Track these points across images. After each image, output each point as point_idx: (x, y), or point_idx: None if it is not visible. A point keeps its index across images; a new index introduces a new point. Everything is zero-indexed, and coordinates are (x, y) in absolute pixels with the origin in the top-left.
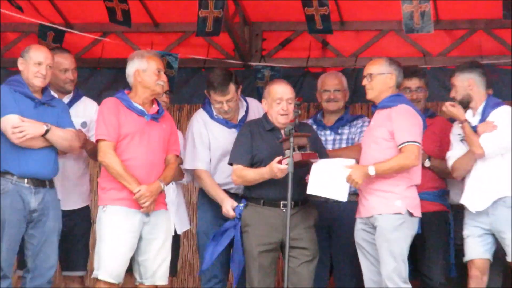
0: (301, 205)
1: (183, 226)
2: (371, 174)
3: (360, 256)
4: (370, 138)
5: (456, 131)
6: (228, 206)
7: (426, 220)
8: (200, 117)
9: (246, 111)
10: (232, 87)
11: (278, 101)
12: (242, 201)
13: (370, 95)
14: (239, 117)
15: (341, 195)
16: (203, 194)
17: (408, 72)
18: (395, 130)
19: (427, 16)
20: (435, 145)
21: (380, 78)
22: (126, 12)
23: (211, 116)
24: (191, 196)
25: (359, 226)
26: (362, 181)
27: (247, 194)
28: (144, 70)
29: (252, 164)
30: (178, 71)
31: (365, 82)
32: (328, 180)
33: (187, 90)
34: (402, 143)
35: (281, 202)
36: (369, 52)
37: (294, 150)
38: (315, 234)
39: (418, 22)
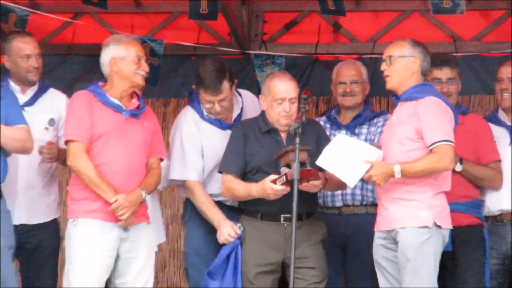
0: (306, 219)
1: (157, 238)
2: (396, 176)
3: (379, 277)
4: (391, 137)
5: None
6: (226, 231)
7: (456, 235)
8: (190, 116)
9: (242, 108)
10: (225, 85)
11: (280, 101)
12: (235, 222)
13: (389, 83)
14: (234, 115)
15: (351, 180)
16: (194, 206)
17: (438, 60)
18: (423, 128)
19: None
20: (468, 146)
21: (401, 61)
22: None
23: (201, 115)
24: (178, 207)
25: (378, 241)
26: (384, 183)
27: (241, 206)
28: (122, 58)
29: (246, 173)
30: (163, 59)
31: (383, 66)
32: (344, 159)
33: (174, 82)
34: (434, 143)
35: (282, 216)
36: (389, 37)
37: (289, 167)
38: (323, 251)
39: (447, 2)
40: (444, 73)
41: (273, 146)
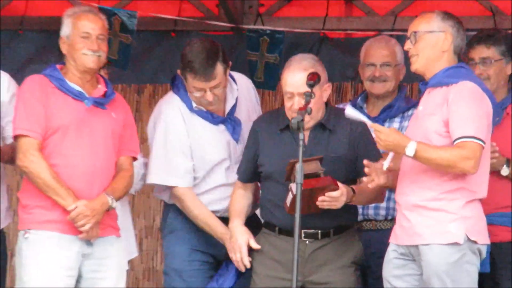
0: (335, 235)
1: (128, 253)
2: (407, 153)
3: None
4: (416, 130)
5: None
6: (243, 248)
7: (497, 254)
8: (176, 106)
9: (238, 99)
10: (219, 68)
11: (289, 95)
12: None
13: (415, 64)
14: (228, 107)
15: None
16: (176, 214)
17: (474, 38)
18: (451, 118)
19: None
20: None
21: (429, 38)
22: None
23: (189, 107)
24: (153, 217)
25: (391, 255)
26: (384, 148)
27: (262, 217)
28: (68, 36)
29: (260, 180)
30: (136, 36)
31: (408, 45)
32: None
33: (149, 64)
34: (460, 138)
35: (303, 231)
36: (413, 10)
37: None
38: (354, 277)
39: None
40: (477, 52)
41: (291, 148)
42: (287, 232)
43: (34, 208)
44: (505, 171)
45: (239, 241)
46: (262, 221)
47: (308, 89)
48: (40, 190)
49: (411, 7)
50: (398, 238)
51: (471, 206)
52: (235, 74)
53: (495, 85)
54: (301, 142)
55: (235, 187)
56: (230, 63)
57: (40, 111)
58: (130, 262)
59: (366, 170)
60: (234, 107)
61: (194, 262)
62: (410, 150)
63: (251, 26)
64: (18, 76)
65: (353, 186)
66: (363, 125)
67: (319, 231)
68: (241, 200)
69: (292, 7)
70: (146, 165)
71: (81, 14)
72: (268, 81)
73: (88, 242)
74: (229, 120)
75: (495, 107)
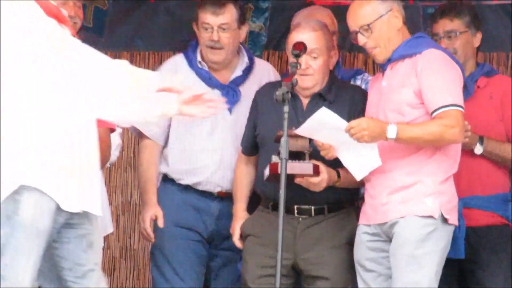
0: (330, 212)
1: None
2: (389, 137)
3: (360, 283)
4: (384, 107)
5: None
6: (236, 231)
7: (477, 238)
8: (174, 62)
9: (246, 72)
10: (230, 7)
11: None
12: None
13: (380, 55)
14: (232, 76)
15: (359, 172)
16: (164, 187)
17: (436, 12)
18: (424, 89)
19: None
20: (492, 116)
21: (380, 24)
22: None
23: (190, 63)
24: (131, 193)
25: (363, 237)
26: (370, 140)
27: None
28: None
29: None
30: (113, 1)
31: (362, 40)
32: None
33: (125, 29)
34: (439, 108)
35: (295, 207)
36: None
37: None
38: (346, 256)
39: None
40: (440, 26)
41: (289, 116)
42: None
43: None
44: (478, 149)
45: (232, 225)
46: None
47: (318, 47)
48: None
49: None
50: (369, 218)
51: (447, 182)
52: (260, 60)
53: (463, 58)
54: (286, 115)
55: (237, 161)
56: (247, 27)
57: None
58: (106, 239)
59: (318, 148)
60: (239, 78)
61: (178, 240)
62: (391, 133)
63: None
64: None
65: (340, 169)
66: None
67: (313, 207)
68: (243, 179)
69: None
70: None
71: None
72: (253, 51)
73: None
74: (228, 88)
75: (466, 80)
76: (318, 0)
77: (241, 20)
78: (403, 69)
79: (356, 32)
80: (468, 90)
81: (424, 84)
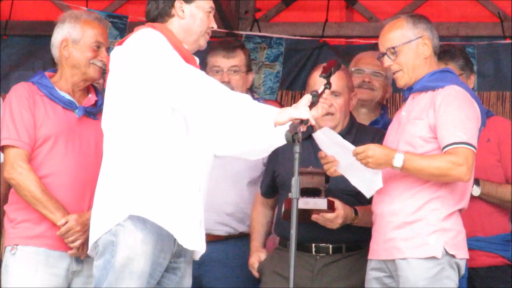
0: (348, 251)
1: None
2: (395, 165)
3: None
4: (399, 137)
5: None
6: (255, 265)
7: (480, 279)
8: None
9: None
10: (240, 53)
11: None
12: None
13: (402, 79)
14: None
15: (369, 190)
16: None
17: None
18: (439, 123)
19: None
20: (490, 159)
21: (408, 49)
22: None
23: None
24: None
25: (371, 274)
26: (375, 167)
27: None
28: (76, 41)
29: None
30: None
31: (387, 62)
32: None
33: None
34: (450, 144)
35: (313, 245)
36: None
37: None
38: None
39: None
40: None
41: (308, 157)
42: (301, 246)
43: (21, 222)
44: (476, 191)
45: (250, 261)
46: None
47: (341, 88)
48: (28, 203)
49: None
50: (374, 253)
51: (453, 217)
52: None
53: None
54: (296, 155)
55: (255, 202)
56: (253, 73)
57: (29, 121)
58: None
59: (322, 161)
60: None
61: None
62: (397, 161)
63: (248, 32)
64: (3, 83)
65: (358, 207)
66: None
67: (330, 246)
68: (259, 219)
69: (290, 12)
70: None
71: (94, 21)
72: (267, 91)
73: (78, 259)
74: None
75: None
76: (332, 39)
77: (249, 66)
78: (423, 101)
79: (383, 54)
80: None
81: (440, 119)
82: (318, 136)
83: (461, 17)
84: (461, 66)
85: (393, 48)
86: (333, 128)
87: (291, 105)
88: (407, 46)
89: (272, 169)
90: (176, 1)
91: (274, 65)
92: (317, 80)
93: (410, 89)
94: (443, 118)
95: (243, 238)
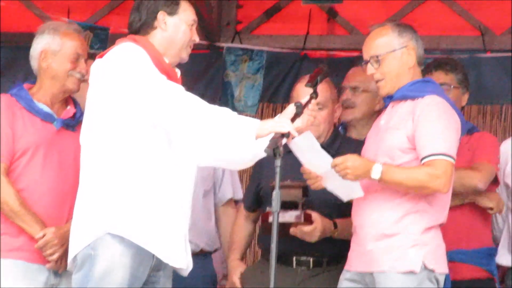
0: (329, 266)
1: None
2: (373, 176)
3: None
4: (377, 145)
5: None
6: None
7: None
8: None
9: None
10: None
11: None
12: None
13: (384, 88)
14: None
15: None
16: None
17: (430, 64)
18: (418, 134)
19: None
20: (467, 165)
21: (392, 58)
22: None
23: None
24: None
25: (344, 284)
26: (354, 178)
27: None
28: (55, 53)
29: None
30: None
31: (370, 70)
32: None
33: None
34: (429, 156)
35: (294, 258)
36: None
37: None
38: None
39: None
40: (435, 77)
41: (290, 169)
42: (282, 259)
43: None
44: (376, 173)
45: (232, 278)
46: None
47: (326, 99)
48: (6, 216)
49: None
50: (351, 264)
51: (431, 232)
52: None
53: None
54: (277, 169)
55: (237, 215)
56: None
57: (7, 133)
58: None
59: (305, 176)
60: None
61: None
62: (375, 173)
63: (229, 44)
64: None
65: (337, 220)
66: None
67: (311, 259)
68: (238, 232)
69: (271, 24)
70: None
71: (73, 33)
72: (248, 103)
73: (56, 272)
74: None
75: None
76: (312, 52)
77: None
78: (402, 110)
79: (367, 62)
80: None
81: (419, 130)
82: (294, 143)
83: (442, 30)
84: (460, 80)
85: (377, 56)
86: (316, 139)
87: (272, 117)
88: (391, 55)
89: (257, 182)
90: (159, 14)
91: (255, 77)
92: (300, 92)
93: (390, 97)
94: (422, 129)
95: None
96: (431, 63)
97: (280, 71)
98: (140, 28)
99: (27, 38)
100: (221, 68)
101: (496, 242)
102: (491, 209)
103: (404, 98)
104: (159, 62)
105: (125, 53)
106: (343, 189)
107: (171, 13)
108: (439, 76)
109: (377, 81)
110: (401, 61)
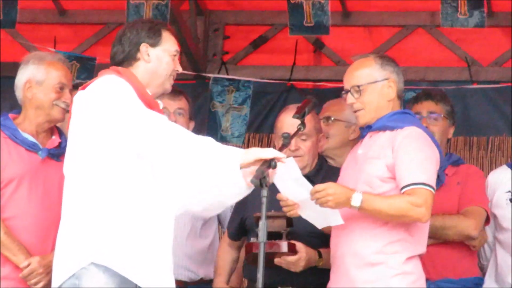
0: None
1: None
2: (353, 205)
3: None
4: (355, 175)
5: (503, 185)
6: None
7: None
8: None
9: None
10: (185, 98)
11: (282, 138)
12: None
13: (363, 118)
14: None
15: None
16: None
17: (421, 95)
18: (398, 164)
19: (478, 4)
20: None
21: (373, 89)
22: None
23: None
24: None
25: None
26: (335, 206)
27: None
28: (39, 82)
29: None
30: None
31: (350, 99)
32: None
33: None
34: (409, 185)
35: None
36: None
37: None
38: None
39: (464, 10)
40: (424, 106)
41: (276, 200)
42: None
43: None
44: (356, 200)
45: None
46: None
47: (310, 129)
48: None
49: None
50: None
51: (413, 261)
52: None
53: (439, 143)
54: (264, 200)
55: (221, 242)
56: (193, 122)
57: None
58: None
59: (281, 203)
60: None
61: None
62: (355, 201)
63: (215, 75)
64: None
65: (322, 250)
66: None
67: None
68: (224, 257)
69: (257, 54)
70: None
71: (58, 63)
72: (234, 134)
73: None
74: None
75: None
76: (299, 82)
77: (191, 114)
78: (381, 140)
79: (347, 91)
80: (440, 178)
81: (399, 159)
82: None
83: (429, 61)
84: (448, 112)
85: (358, 86)
86: (301, 169)
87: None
88: (372, 86)
89: (241, 212)
90: (141, 46)
91: (242, 108)
92: (284, 123)
93: (369, 128)
94: (402, 158)
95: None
96: (421, 93)
97: (266, 102)
98: (123, 60)
99: (13, 68)
100: (208, 98)
101: (483, 271)
102: (474, 246)
103: (383, 128)
104: (142, 94)
105: (108, 85)
106: (321, 217)
107: (154, 44)
108: (429, 106)
109: (355, 111)
110: (381, 93)
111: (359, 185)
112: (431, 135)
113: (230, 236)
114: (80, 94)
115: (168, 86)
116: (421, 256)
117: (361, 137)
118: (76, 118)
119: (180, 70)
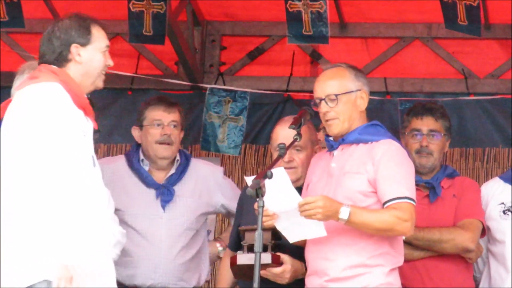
0: None
1: None
2: (340, 218)
3: None
4: (333, 189)
5: (496, 198)
6: None
7: None
8: (114, 163)
9: (179, 170)
10: (178, 111)
11: (278, 149)
12: None
13: (337, 127)
14: (167, 174)
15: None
16: None
17: (419, 108)
18: (380, 178)
19: (475, 13)
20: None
21: (347, 99)
22: (15, 4)
23: (131, 163)
24: None
25: None
26: (323, 218)
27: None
28: None
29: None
30: (91, 94)
31: (324, 108)
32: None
33: (104, 123)
34: (393, 199)
35: None
36: (382, 71)
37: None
38: None
39: (463, 19)
40: (424, 123)
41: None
42: None
43: None
44: (344, 213)
45: None
46: None
47: (305, 142)
48: None
49: (380, 69)
50: None
51: (394, 273)
52: (200, 162)
53: (438, 160)
54: (260, 210)
55: (223, 256)
56: (183, 132)
57: None
58: None
59: (257, 212)
60: (173, 177)
61: None
62: (343, 214)
63: (212, 86)
64: None
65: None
66: None
67: None
68: (223, 271)
69: (254, 65)
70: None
71: None
72: (231, 144)
73: None
74: (163, 188)
75: (431, 181)
76: (296, 93)
77: (183, 125)
78: (357, 154)
79: (320, 100)
80: (436, 191)
81: (380, 174)
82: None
83: (426, 73)
84: (446, 128)
85: (335, 95)
86: (295, 181)
87: (255, 159)
88: (347, 96)
89: (238, 223)
90: (72, 46)
91: (239, 118)
92: (279, 134)
93: (341, 141)
94: (384, 173)
95: None
96: (420, 107)
97: (263, 113)
98: (54, 60)
99: (11, 78)
100: (204, 109)
101: (476, 283)
102: (470, 259)
103: (357, 141)
104: (78, 98)
105: (42, 99)
106: (300, 230)
107: (84, 44)
108: (429, 122)
109: (328, 120)
110: (354, 103)
111: (339, 199)
112: (405, 147)
113: (229, 246)
114: (17, 94)
115: (100, 84)
116: (417, 280)
117: (329, 149)
118: (7, 118)
119: (112, 64)
